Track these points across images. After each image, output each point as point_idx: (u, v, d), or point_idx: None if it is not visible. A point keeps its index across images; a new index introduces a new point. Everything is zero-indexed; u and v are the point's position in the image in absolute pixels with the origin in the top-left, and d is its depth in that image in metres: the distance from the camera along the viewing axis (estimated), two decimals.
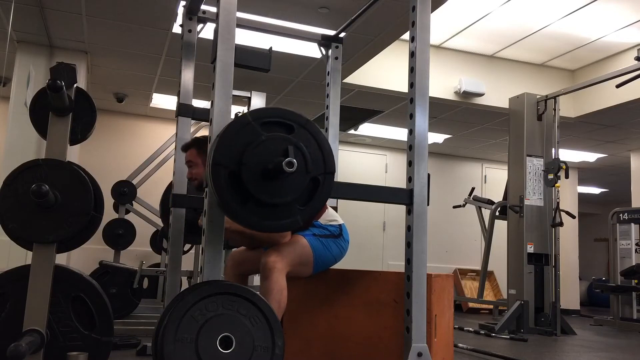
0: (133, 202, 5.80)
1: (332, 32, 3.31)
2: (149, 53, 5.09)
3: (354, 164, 8.05)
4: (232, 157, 1.72)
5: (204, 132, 5.50)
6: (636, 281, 6.47)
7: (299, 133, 1.80)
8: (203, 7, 3.08)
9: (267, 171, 1.72)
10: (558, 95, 5.57)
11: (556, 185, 5.40)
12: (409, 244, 2.07)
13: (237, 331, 1.63)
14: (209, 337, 1.60)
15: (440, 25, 5.36)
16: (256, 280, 2.59)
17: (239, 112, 4.71)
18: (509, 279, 5.57)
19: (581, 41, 5.60)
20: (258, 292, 1.78)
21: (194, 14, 3.11)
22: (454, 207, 7.16)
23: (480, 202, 6.74)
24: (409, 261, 2.06)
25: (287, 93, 5.98)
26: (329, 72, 3.18)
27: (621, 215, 6.92)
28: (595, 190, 11.10)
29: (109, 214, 4.77)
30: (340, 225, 2.49)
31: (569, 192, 8.56)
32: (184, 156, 2.76)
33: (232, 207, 1.71)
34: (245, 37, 2.92)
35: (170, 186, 3.41)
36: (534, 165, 5.56)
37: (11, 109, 4.91)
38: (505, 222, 5.77)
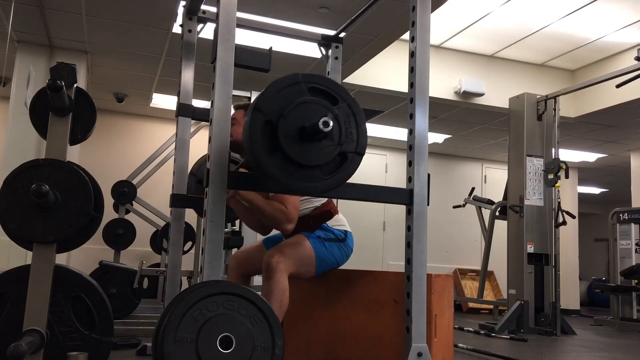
0: (133, 202, 5.80)
1: (332, 32, 3.31)
2: (149, 53, 5.09)
3: None
4: (273, 107, 1.76)
5: (204, 132, 5.50)
6: (636, 281, 6.47)
7: (342, 107, 1.84)
8: (203, 7, 3.08)
9: (303, 129, 1.74)
10: (558, 95, 5.56)
11: (556, 185, 5.40)
12: (409, 244, 2.07)
13: (237, 331, 1.63)
14: (209, 337, 1.60)
15: (440, 25, 5.36)
16: (257, 280, 2.58)
17: None
18: (509, 279, 5.57)
19: (581, 41, 5.60)
20: (259, 292, 1.78)
21: (194, 14, 3.11)
22: (454, 207, 7.16)
23: (480, 202, 6.74)
24: (409, 261, 2.06)
25: None
26: (329, 72, 3.18)
27: (621, 215, 6.93)
28: (595, 190, 11.10)
29: (109, 214, 4.77)
30: (346, 231, 2.50)
31: (569, 192, 8.56)
32: (233, 114, 2.62)
33: (261, 154, 1.72)
34: (245, 37, 2.92)
35: None
36: (534, 165, 5.56)
37: (11, 109, 4.91)
38: (505, 222, 5.77)
